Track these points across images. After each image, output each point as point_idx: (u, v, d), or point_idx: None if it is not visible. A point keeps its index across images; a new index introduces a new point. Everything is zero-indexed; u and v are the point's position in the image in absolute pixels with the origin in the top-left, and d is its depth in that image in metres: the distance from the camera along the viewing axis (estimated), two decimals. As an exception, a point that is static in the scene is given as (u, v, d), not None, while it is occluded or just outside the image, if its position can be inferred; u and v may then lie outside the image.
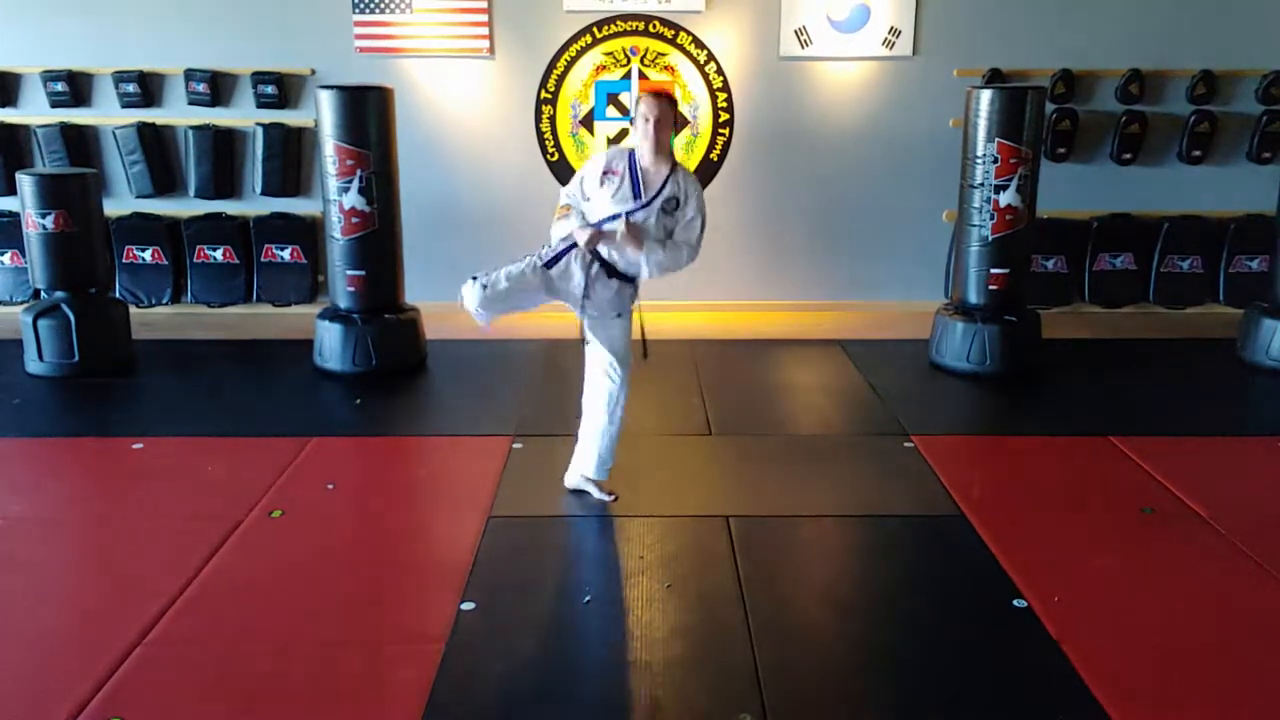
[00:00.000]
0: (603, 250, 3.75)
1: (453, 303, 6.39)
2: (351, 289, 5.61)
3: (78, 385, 5.48)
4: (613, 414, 3.96)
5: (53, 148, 6.70)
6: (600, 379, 3.93)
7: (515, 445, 4.61)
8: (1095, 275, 7.03)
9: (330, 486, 4.19)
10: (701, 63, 6.76)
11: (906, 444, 4.66)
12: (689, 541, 3.78)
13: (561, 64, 6.76)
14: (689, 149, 6.86)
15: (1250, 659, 3.03)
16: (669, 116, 3.72)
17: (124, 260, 6.89)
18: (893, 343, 6.31)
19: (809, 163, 6.92)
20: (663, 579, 3.49)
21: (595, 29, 6.71)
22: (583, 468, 4.06)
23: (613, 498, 4.01)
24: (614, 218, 3.72)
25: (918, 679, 2.95)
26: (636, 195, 3.70)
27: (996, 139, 5.44)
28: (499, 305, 3.72)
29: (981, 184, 5.55)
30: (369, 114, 5.42)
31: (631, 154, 3.77)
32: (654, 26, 6.71)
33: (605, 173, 3.77)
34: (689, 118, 6.83)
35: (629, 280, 3.82)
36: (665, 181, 3.72)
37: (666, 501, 4.11)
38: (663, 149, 3.74)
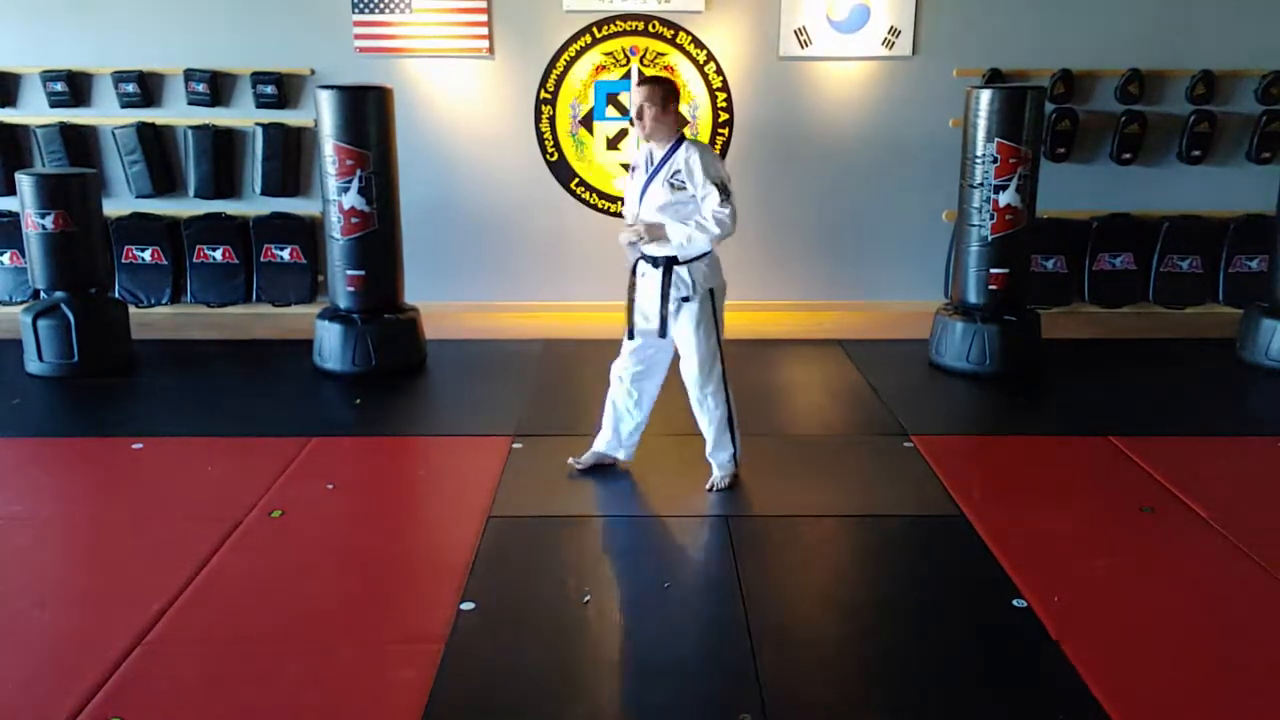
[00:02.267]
0: (647, 249, 3.94)
1: (452, 302, 6.46)
2: (351, 289, 5.61)
3: (77, 385, 5.48)
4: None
5: (52, 148, 6.69)
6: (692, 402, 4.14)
7: (515, 445, 4.61)
8: (1095, 275, 7.03)
9: (330, 486, 4.19)
10: (701, 63, 6.76)
11: (906, 444, 4.66)
12: (689, 541, 3.78)
13: (561, 64, 6.76)
14: (689, 149, 6.86)
15: (1250, 658, 3.03)
16: (655, 98, 3.83)
17: (124, 260, 6.89)
18: (893, 343, 6.31)
19: (808, 162, 6.92)
20: (663, 579, 3.49)
21: (595, 29, 6.70)
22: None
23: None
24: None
25: (918, 679, 2.95)
26: (648, 171, 3.92)
27: (996, 139, 5.44)
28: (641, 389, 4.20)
29: (981, 184, 5.55)
30: (369, 114, 5.41)
31: (650, 147, 3.98)
32: (654, 26, 6.71)
33: (632, 169, 4.06)
34: (688, 118, 6.83)
35: (669, 266, 3.91)
36: (668, 156, 3.86)
37: (666, 501, 4.12)
38: (660, 131, 3.86)
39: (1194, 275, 7.01)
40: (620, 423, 4.28)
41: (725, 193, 3.78)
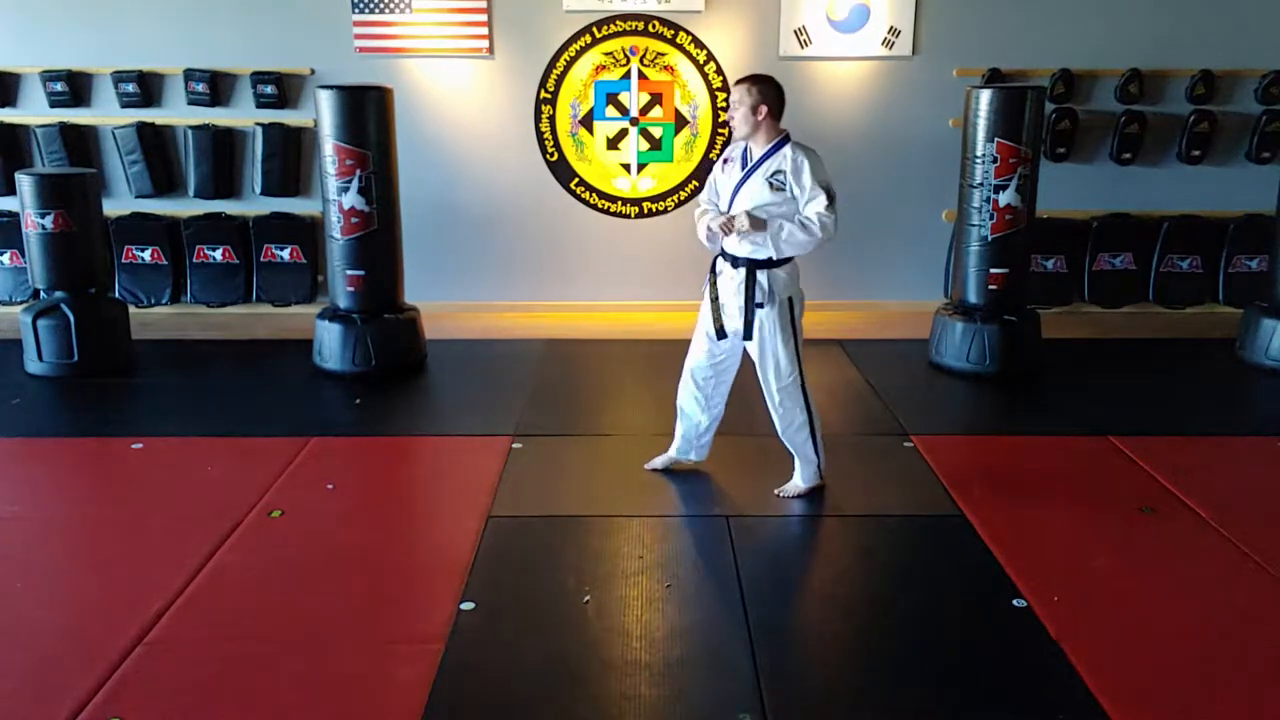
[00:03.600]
0: (728, 245, 3.88)
1: (452, 302, 6.43)
2: (351, 289, 5.61)
3: (77, 385, 5.48)
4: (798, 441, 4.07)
5: (52, 148, 6.70)
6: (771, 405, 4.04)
7: (515, 445, 4.61)
8: (1095, 275, 7.03)
9: (330, 486, 4.19)
10: (701, 63, 6.76)
11: (906, 444, 4.66)
12: (689, 541, 3.78)
13: (561, 64, 6.76)
14: (689, 149, 6.86)
15: (1250, 658, 3.03)
16: (744, 99, 3.78)
17: (123, 260, 6.89)
18: (893, 343, 6.31)
19: (809, 163, 6.92)
20: (663, 579, 3.49)
21: (595, 29, 6.70)
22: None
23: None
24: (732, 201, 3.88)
25: (918, 679, 2.95)
26: (744, 167, 3.85)
27: (996, 139, 5.44)
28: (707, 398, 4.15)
29: (981, 184, 5.55)
30: (369, 114, 5.41)
31: (747, 144, 3.89)
32: (654, 26, 6.71)
33: (725, 161, 3.97)
34: (689, 117, 6.84)
35: (752, 269, 3.83)
36: (768, 154, 3.80)
37: (666, 501, 4.12)
38: (754, 130, 3.80)
39: (1194, 275, 7.02)
40: (691, 428, 4.25)
41: (832, 198, 3.74)
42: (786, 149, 3.79)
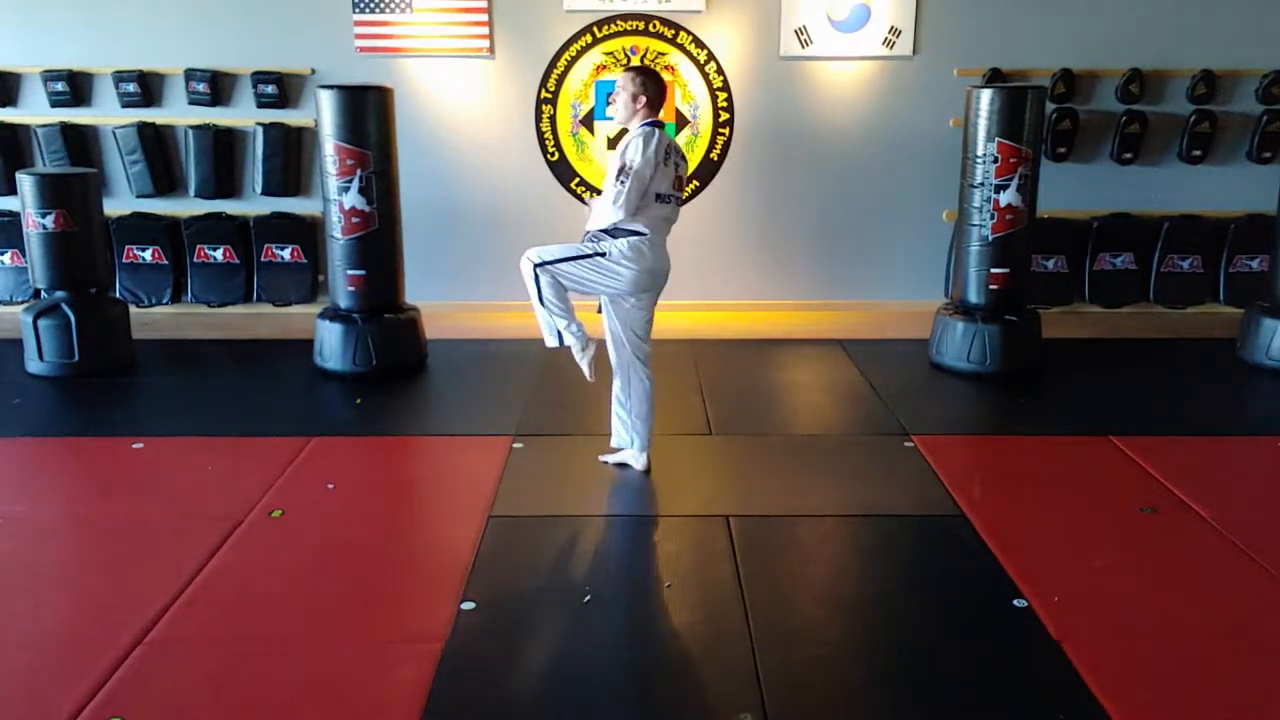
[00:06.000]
0: None
1: (452, 302, 6.38)
2: (351, 289, 5.61)
3: (78, 385, 5.48)
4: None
5: (53, 147, 6.70)
6: None
7: (515, 445, 4.61)
8: (1095, 275, 7.03)
9: (330, 486, 4.19)
10: (701, 62, 6.76)
11: (906, 444, 4.66)
12: (689, 541, 3.78)
13: (561, 64, 6.76)
14: (690, 148, 6.86)
15: (1250, 659, 3.03)
16: (626, 88, 4.00)
17: (124, 260, 6.89)
18: (893, 343, 6.31)
19: (809, 162, 6.93)
20: (663, 579, 3.49)
21: (595, 29, 6.71)
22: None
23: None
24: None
25: (918, 679, 2.95)
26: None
27: (996, 139, 5.44)
28: None
29: (981, 183, 5.55)
30: (369, 114, 5.41)
31: None
32: (654, 26, 6.71)
33: None
34: (689, 117, 6.84)
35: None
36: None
37: (666, 501, 4.12)
38: (631, 116, 4.02)
39: (1194, 275, 7.02)
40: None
41: (621, 174, 3.87)
42: (630, 134, 3.97)
